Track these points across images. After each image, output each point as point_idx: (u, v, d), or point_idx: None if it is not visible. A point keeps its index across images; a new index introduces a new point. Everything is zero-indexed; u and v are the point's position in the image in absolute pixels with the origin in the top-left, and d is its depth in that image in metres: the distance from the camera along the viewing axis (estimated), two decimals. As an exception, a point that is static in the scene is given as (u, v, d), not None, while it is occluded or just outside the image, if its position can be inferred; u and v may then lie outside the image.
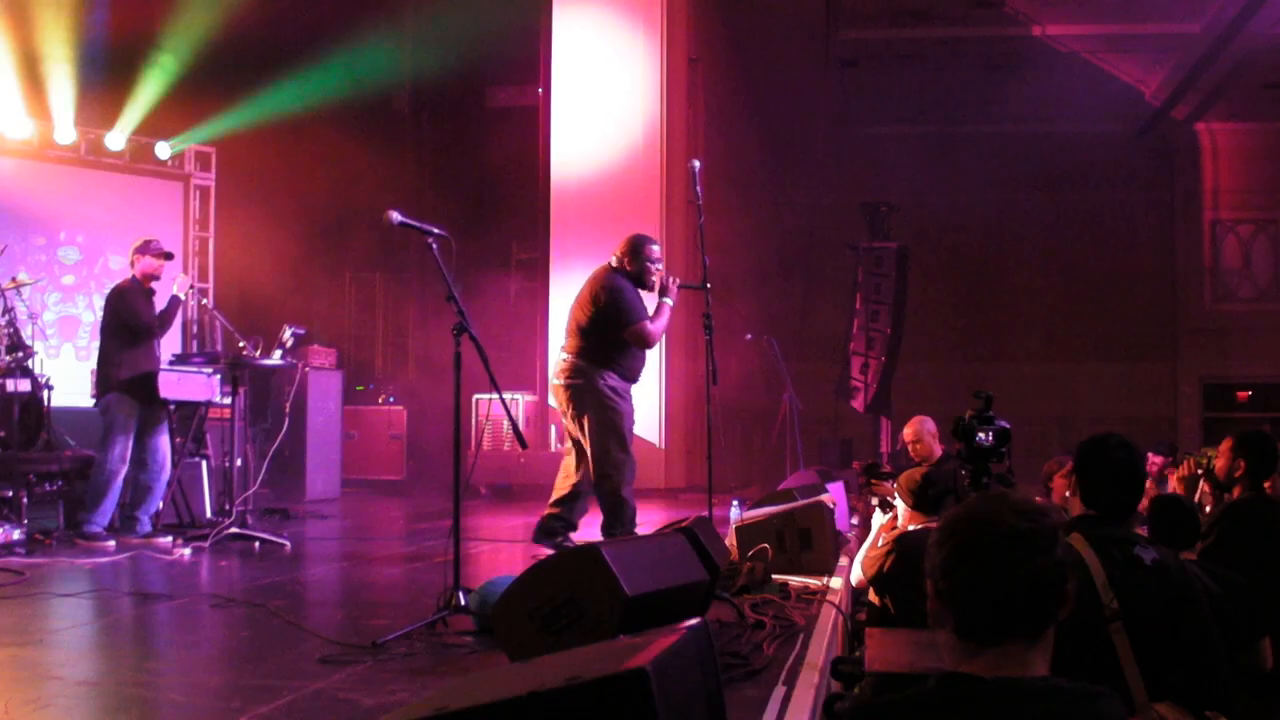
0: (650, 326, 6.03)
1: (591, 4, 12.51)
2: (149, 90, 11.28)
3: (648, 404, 11.62)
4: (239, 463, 7.51)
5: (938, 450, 7.35)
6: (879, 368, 14.47)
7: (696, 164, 6.41)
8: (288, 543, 7.05)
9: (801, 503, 5.85)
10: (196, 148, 11.93)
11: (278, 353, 7.67)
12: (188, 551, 6.68)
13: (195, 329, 11.54)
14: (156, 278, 7.43)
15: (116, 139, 11.17)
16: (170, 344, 9.30)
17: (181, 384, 7.37)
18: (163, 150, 11.54)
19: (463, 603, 4.23)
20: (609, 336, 6.05)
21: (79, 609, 4.99)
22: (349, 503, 10.69)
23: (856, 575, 5.06)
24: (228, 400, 7.68)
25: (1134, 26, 14.97)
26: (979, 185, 16.48)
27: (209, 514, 7.97)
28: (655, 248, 6.22)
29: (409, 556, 6.92)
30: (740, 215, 13.82)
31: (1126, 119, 16.92)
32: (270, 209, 12.08)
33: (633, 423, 6.16)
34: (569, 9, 12.54)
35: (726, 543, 5.27)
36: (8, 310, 7.53)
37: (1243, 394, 17.65)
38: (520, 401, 11.35)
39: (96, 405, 7.25)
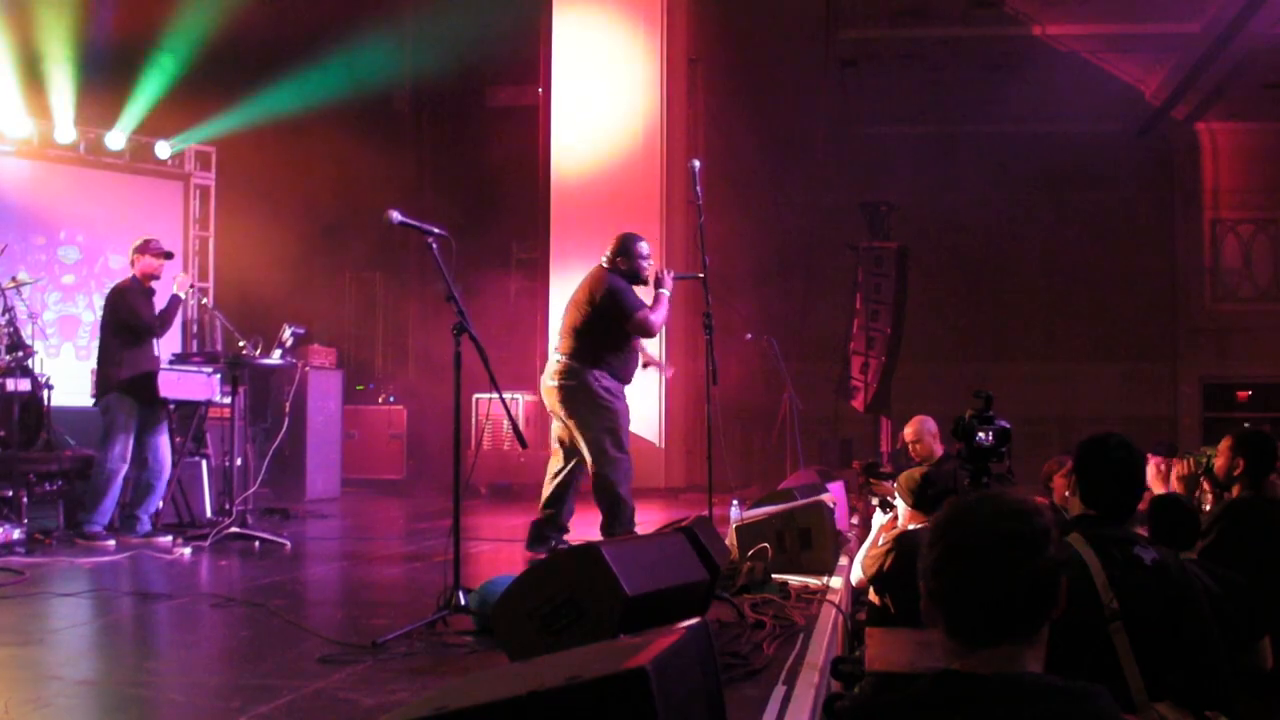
0: (652, 315, 6.06)
1: (591, 4, 12.51)
2: (149, 90, 11.28)
3: (647, 404, 11.63)
4: (239, 462, 7.52)
5: (938, 450, 7.35)
6: (879, 367, 14.46)
7: (696, 164, 6.42)
8: (288, 542, 7.06)
9: (801, 502, 5.85)
10: (196, 147, 11.93)
11: (277, 352, 7.68)
12: (188, 551, 6.69)
13: (195, 328, 11.54)
14: (157, 277, 7.44)
15: (116, 138, 11.17)
16: (170, 343, 9.30)
17: (181, 383, 7.37)
18: (163, 150, 11.54)
19: (463, 602, 4.23)
20: (604, 337, 6.05)
21: (79, 608, 5.00)
22: (349, 502, 10.69)
23: (856, 575, 5.06)
24: (228, 400, 7.68)
25: (1134, 26, 14.97)
26: (979, 185, 16.47)
27: (209, 513, 7.97)
28: (644, 244, 6.25)
29: (409, 556, 6.92)
30: (740, 215, 13.81)
31: (1126, 119, 16.92)
32: (270, 208, 12.08)
33: (628, 422, 6.16)
34: (569, 9, 12.54)
35: (726, 542, 5.27)
36: (8, 310, 7.53)
37: (1243, 394, 17.65)
38: (520, 401, 11.35)
39: (96, 404, 7.25)
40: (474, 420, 10.55)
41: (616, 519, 5.94)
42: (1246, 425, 6.01)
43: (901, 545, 4.56)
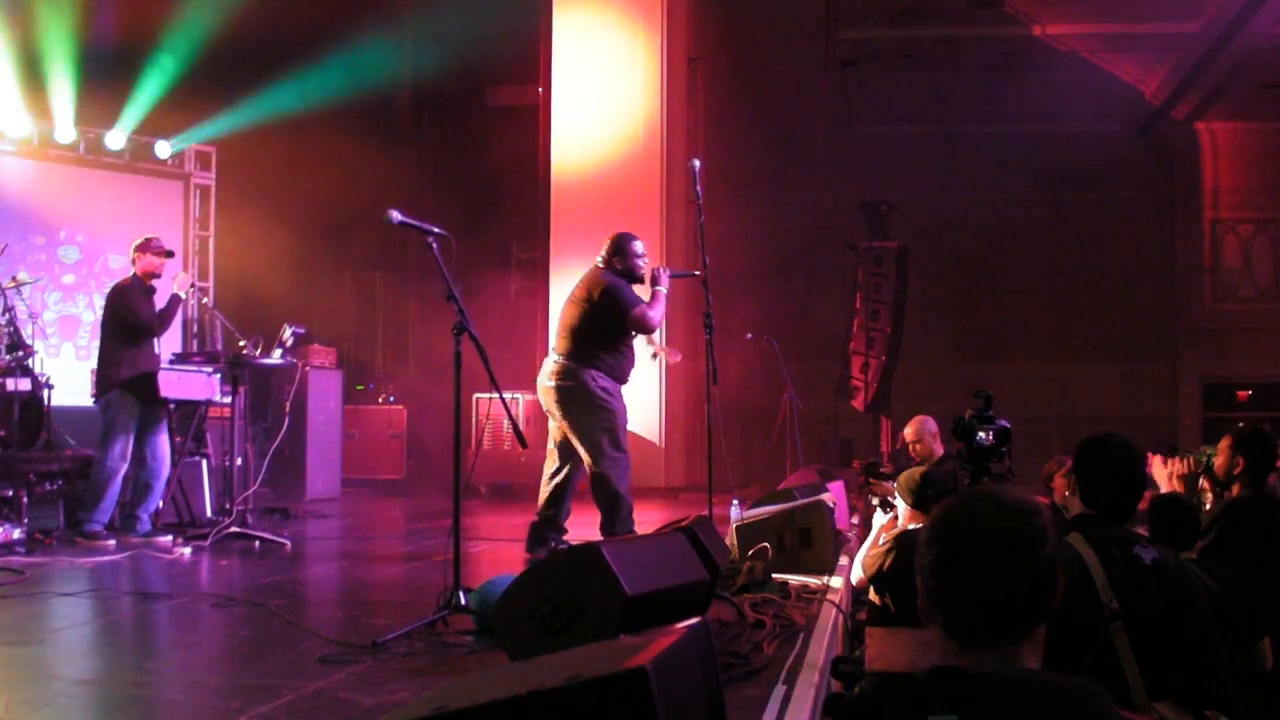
0: (650, 312, 6.06)
1: (591, 4, 12.51)
2: (149, 90, 11.28)
3: (648, 403, 11.63)
4: (239, 462, 7.52)
5: (939, 450, 7.34)
6: (879, 367, 14.47)
7: (696, 163, 6.43)
8: (288, 542, 7.06)
9: (801, 502, 5.85)
10: (196, 147, 11.93)
11: (278, 352, 7.68)
12: (188, 551, 6.69)
13: (195, 328, 11.55)
14: (158, 276, 7.44)
15: (116, 138, 11.18)
16: (170, 343, 9.31)
17: (181, 383, 7.38)
18: (163, 149, 11.54)
19: (463, 602, 4.23)
20: (601, 336, 6.06)
21: (79, 608, 4.99)
22: (349, 502, 10.69)
23: (857, 574, 5.06)
24: (228, 399, 7.69)
25: (1134, 26, 14.97)
26: (979, 185, 16.47)
27: (209, 513, 7.97)
28: (638, 243, 6.27)
29: (409, 556, 6.92)
30: (740, 215, 13.82)
31: (1126, 118, 16.92)
32: (270, 208, 12.08)
33: (626, 421, 6.16)
34: (569, 9, 12.54)
35: (726, 542, 5.27)
36: (8, 309, 7.53)
37: (1243, 393, 17.65)
38: (520, 401, 11.35)
39: (97, 403, 7.25)
40: (474, 420, 10.55)
41: (616, 518, 5.94)
42: (1241, 425, 6.00)
43: (902, 545, 4.56)
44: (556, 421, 6.10)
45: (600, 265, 6.21)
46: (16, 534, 6.52)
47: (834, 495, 6.37)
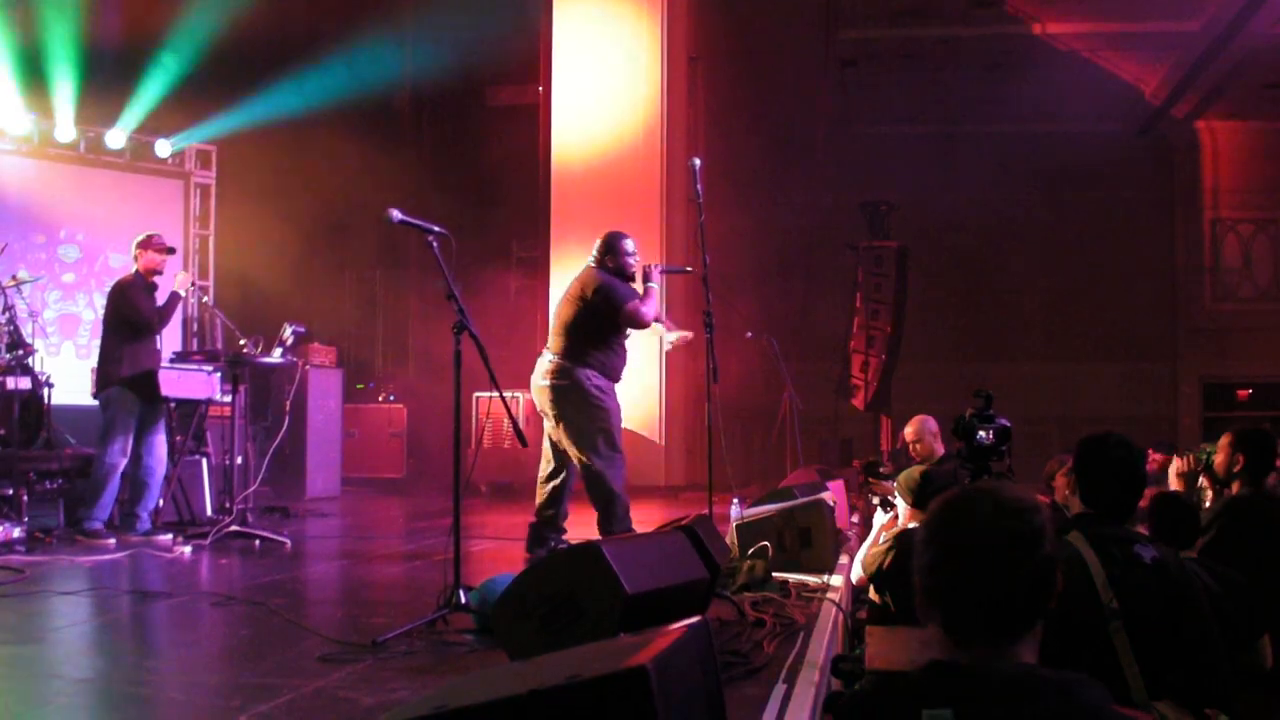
0: (643, 308, 6.07)
1: (592, 2, 12.51)
2: (150, 90, 11.27)
3: (648, 402, 11.64)
4: (239, 461, 7.52)
5: (939, 449, 7.33)
6: (879, 366, 14.48)
7: (697, 162, 6.42)
8: (288, 541, 7.06)
9: (801, 501, 5.85)
10: (197, 146, 11.93)
11: (278, 351, 7.68)
12: (188, 549, 6.69)
13: (196, 327, 11.55)
14: (159, 273, 7.44)
15: (116, 137, 11.18)
16: (171, 342, 9.31)
17: (182, 382, 7.38)
18: (163, 148, 11.54)
19: (463, 601, 4.23)
20: (595, 334, 6.05)
21: (79, 607, 4.99)
22: (349, 501, 10.69)
23: (857, 573, 5.06)
24: (228, 398, 7.69)
25: (1134, 25, 14.97)
26: (979, 184, 16.47)
27: (209, 512, 7.97)
28: (629, 241, 6.28)
29: (409, 555, 6.92)
30: (740, 214, 13.82)
31: (1126, 118, 16.92)
32: (271, 207, 12.08)
33: (620, 420, 6.15)
34: (569, 8, 12.55)
35: (727, 541, 5.26)
36: (8, 308, 7.54)
37: (1243, 393, 17.66)
38: (521, 399, 11.31)
39: (97, 399, 7.24)
40: (474, 419, 10.55)
41: (612, 516, 5.93)
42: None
43: (902, 543, 4.56)
44: (551, 421, 6.10)
45: (593, 264, 6.22)
46: (17, 532, 6.52)
47: (834, 494, 6.37)
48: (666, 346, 6.53)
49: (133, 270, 7.40)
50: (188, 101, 11.37)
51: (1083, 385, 17.12)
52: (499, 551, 6.97)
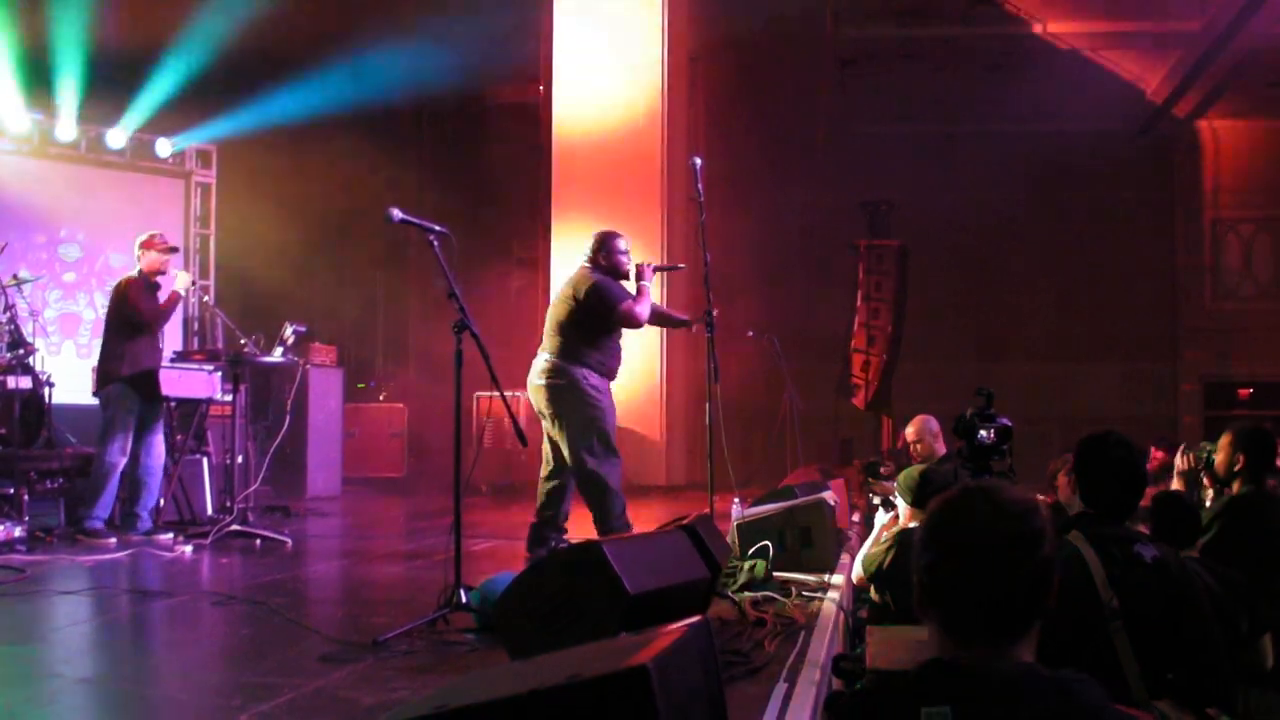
0: (637, 307, 6.07)
1: (592, 2, 12.51)
2: (152, 92, 11.27)
3: (649, 401, 11.65)
4: (240, 460, 7.53)
5: (941, 449, 7.32)
6: (880, 365, 14.47)
7: (698, 161, 6.42)
8: (288, 540, 7.06)
9: (802, 500, 5.85)
10: (197, 145, 11.93)
11: (279, 350, 7.69)
12: (188, 549, 6.69)
13: (196, 326, 11.55)
14: (163, 273, 7.45)
15: (117, 136, 11.18)
16: (171, 341, 9.30)
17: (182, 381, 7.38)
18: (163, 147, 11.54)
19: (464, 600, 4.23)
20: (589, 334, 6.05)
21: (80, 606, 5.00)
22: (349, 500, 10.69)
23: (858, 573, 5.06)
24: (229, 397, 7.70)
25: (1135, 24, 14.95)
26: (979, 184, 16.45)
27: (210, 511, 7.97)
28: (622, 240, 6.28)
29: (410, 554, 6.92)
30: (741, 213, 13.81)
31: (1127, 117, 16.90)
32: (271, 206, 12.08)
33: (614, 420, 6.16)
34: (570, 7, 12.55)
35: (727, 540, 5.26)
36: (9, 307, 7.54)
37: (1244, 392, 17.64)
38: (522, 399, 11.30)
39: (97, 397, 7.24)
40: (475, 418, 10.55)
41: (609, 515, 5.92)
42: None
43: (902, 543, 4.57)
44: (547, 420, 6.10)
45: (586, 264, 6.23)
46: (17, 532, 6.52)
47: (834, 494, 6.37)
48: (692, 331, 6.54)
49: (136, 270, 7.41)
50: (189, 104, 11.36)
51: (1083, 385, 17.10)
52: (500, 551, 6.97)
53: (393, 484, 12.13)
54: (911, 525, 4.86)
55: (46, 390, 7.70)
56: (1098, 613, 2.88)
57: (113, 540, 6.83)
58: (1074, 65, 15.38)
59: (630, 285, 6.23)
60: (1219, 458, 4.40)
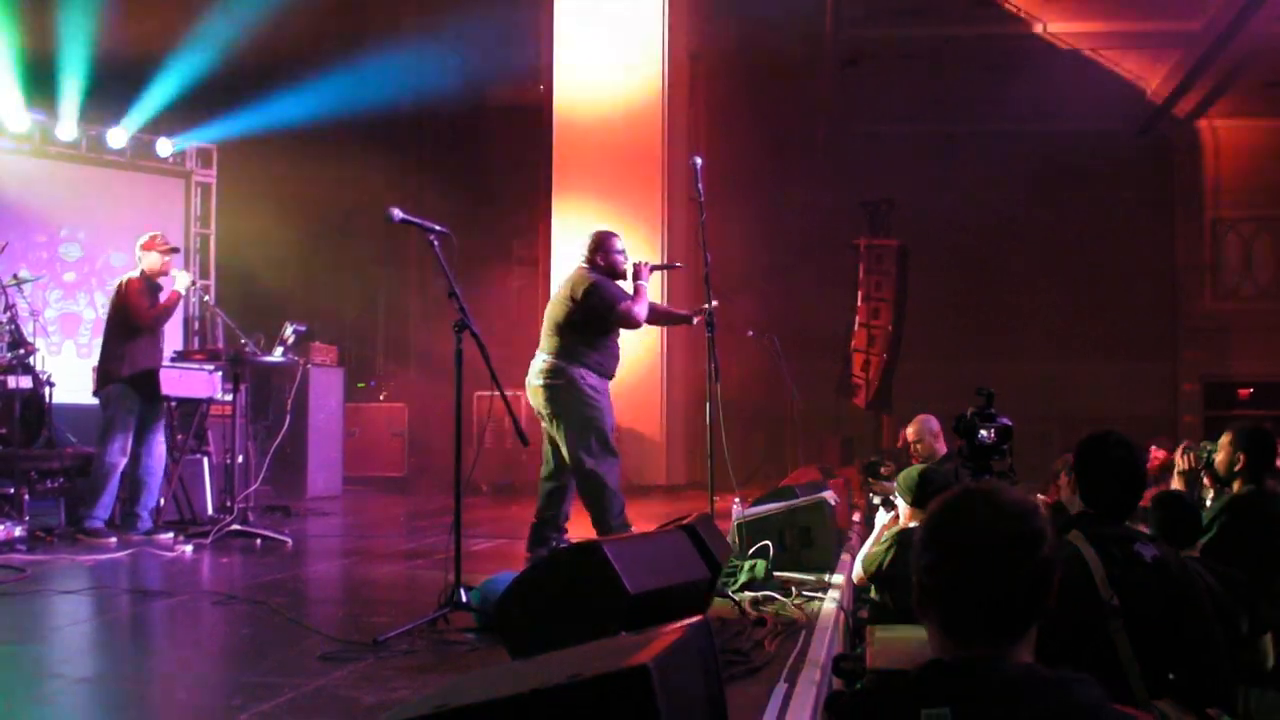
0: (635, 308, 6.07)
1: (593, 2, 12.51)
2: (152, 95, 11.26)
3: (650, 401, 11.65)
4: (240, 460, 7.53)
5: (941, 449, 7.31)
6: (880, 365, 14.47)
7: (698, 160, 6.42)
8: (289, 540, 7.07)
9: (803, 500, 5.85)
10: (197, 145, 11.93)
11: (279, 350, 7.68)
12: (189, 548, 6.70)
13: (197, 326, 11.55)
14: (164, 273, 7.44)
15: (118, 136, 11.17)
16: (172, 341, 9.30)
17: (183, 381, 7.38)
18: (164, 147, 11.54)
19: (464, 600, 4.23)
20: (587, 334, 6.05)
21: (80, 606, 5.00)
22: (350, 500, 10.69)
23: (858, 573, 5.06)
24: (229, 397, 7.69)
25: (1135, 24, 14.96)
26: (979, 184, 16.44)
27: (210, 511, 7.97)
28: (618, 240, 6.29)
29: (410, 553, 6.92)
30: (741, 213, 13.82)
31: (1127, 117, 16.90)
32: (272, 206, 12.08)
33: (613, 420, 6.16)
34: (570, 7, 12.54)
35: (728, 540, 5.26)
36: (9, 307, 7.53)
37: (1244, 392, 17.64)
38: (522, 398, 11.31)
39: (96, 397, 7.24)
40: (475, 417, 10.54)
41: (607, 514, 5.92)
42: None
43: (902, 543, 4.57)
44: (546, 421, 6.10)
45: (584, 265, 6.23)
46: (18, 531, 6.52)
47: (835, 493, 6.37)
48: (693, 324, 6.55)
49: (137, 270, 7.40)
50: (190, 104, 11.36)
51: (1083, 384, 17.09)
52: (500, 550, 6.97)
53: (393, 483, 12.13)
54: (911, 525, 4.86)
55: (47, 390, 7.70)
56: (1098, 612, 2.88)
57: (113, 540, 6.83)
58: (1074, 65, 15.38)
59: (627, 285, 6.23)
60: (1219, 457, 4.40)
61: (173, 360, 7.59)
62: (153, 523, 7.21)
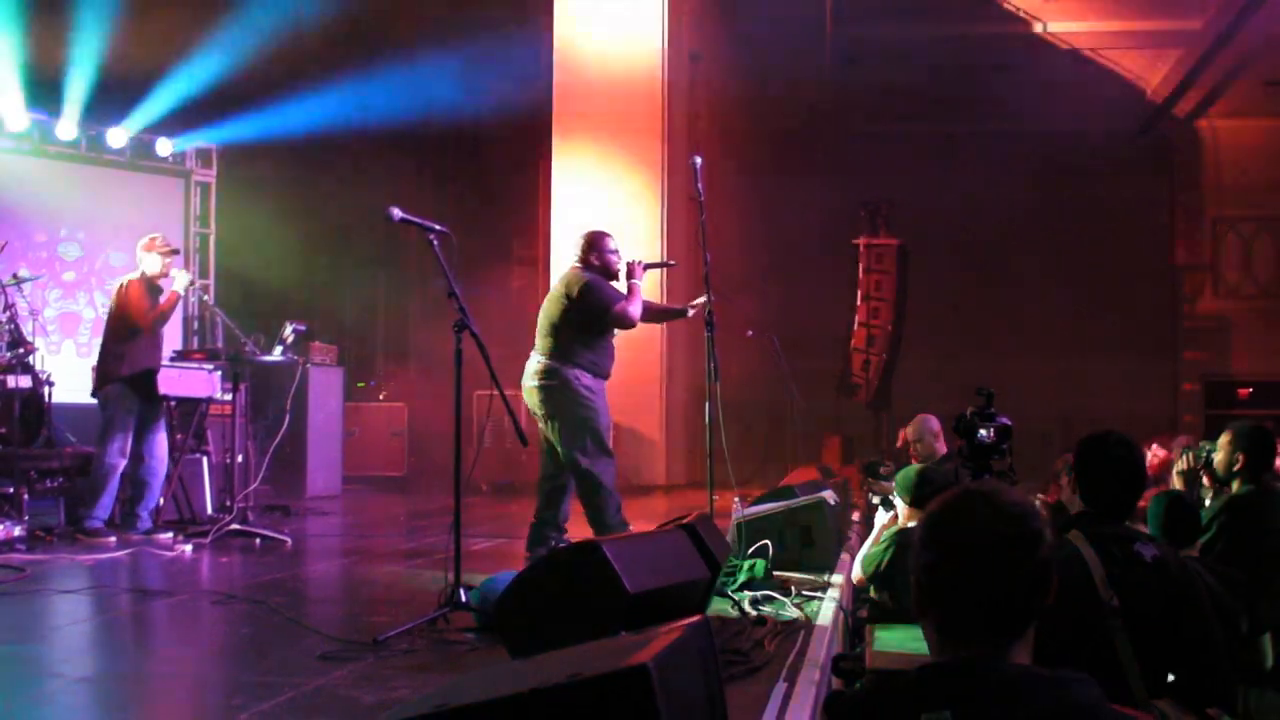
0: (629, 307, 6.06)
1: (594, 2, 12.51)
2: (154, 101, 11.26)
3: (649, 400, 11.65)
4: (240, 459, 7.53)
5: (941, 449, 7.29)
6: (880, 364, 14.48)
7: (698, 160, 6.41)
8: (288, 539, 7.07)
9: (802, 499, 5.85)
10: (197, 145, 11.92)
11: (279, 349, 7.68)
12: (188, 548, 6.70)
13: (196, 325, 11.55)
14: (165, 274, 7.44)
15: (118, 135, 11.17)
16: (171, 340, 9.30)
17: (182, 380, 7.38)
18: (164, 147, 11.54)
19: (464, 599, 4.23)
20: (581, 334, 6.05)
21: (80, 606, 5.00)
22: (350, 499, 10.69)
23: (857, 573, 5.06)
24: (229, 397, 7.70)
25: (1136, 23, 14.96)
26: (979, 183, 16.42)
27: (210, 510, 7.97)
28: (611, 240, 6.29)
29: (410, 553, 6.92)
30: (740, 212, 13.82)
31: (1128, 116, 16.90)
32: (272, 205, 12.07)
33: (609, 419, 6.15)
34: (570, 5, 12.54)
35: (727, 539, 5.26)
36: (8, 306, 7.53)
37: (1244, 392, 17.63)
38: (521, 398, 11.33)
39: (95, 397, 7.24)
40: (475, 417, 10.54)
41: (603, 513, 5.92)
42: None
43: (901, 542, 4.57)
44: (541, 421, 6.10)
45: (577, 264, 6.22)
46: (17, 531, 6.52)
47: (834, 493, 6.37)
48: (689, 316, 6.54)
49: (138, 271, 7.40)
50: (192, 107, 11.35)
51: (1083, 384, 17.08)
52: (500, 550, 6.97)
53: (393, 483, 12.13)
54: (910, 525, 4.86)
55: (46, 389, 7.70)
56: (1097, 612, 2.88)
57: (113, 539, 6.83)
58: (1074, 65, 15.38)
59: (621, 284, 6.23)
60: (1219, 457, 4.40)
61: (172, 360, 7.60)
62: (152, 522, 7.21)
